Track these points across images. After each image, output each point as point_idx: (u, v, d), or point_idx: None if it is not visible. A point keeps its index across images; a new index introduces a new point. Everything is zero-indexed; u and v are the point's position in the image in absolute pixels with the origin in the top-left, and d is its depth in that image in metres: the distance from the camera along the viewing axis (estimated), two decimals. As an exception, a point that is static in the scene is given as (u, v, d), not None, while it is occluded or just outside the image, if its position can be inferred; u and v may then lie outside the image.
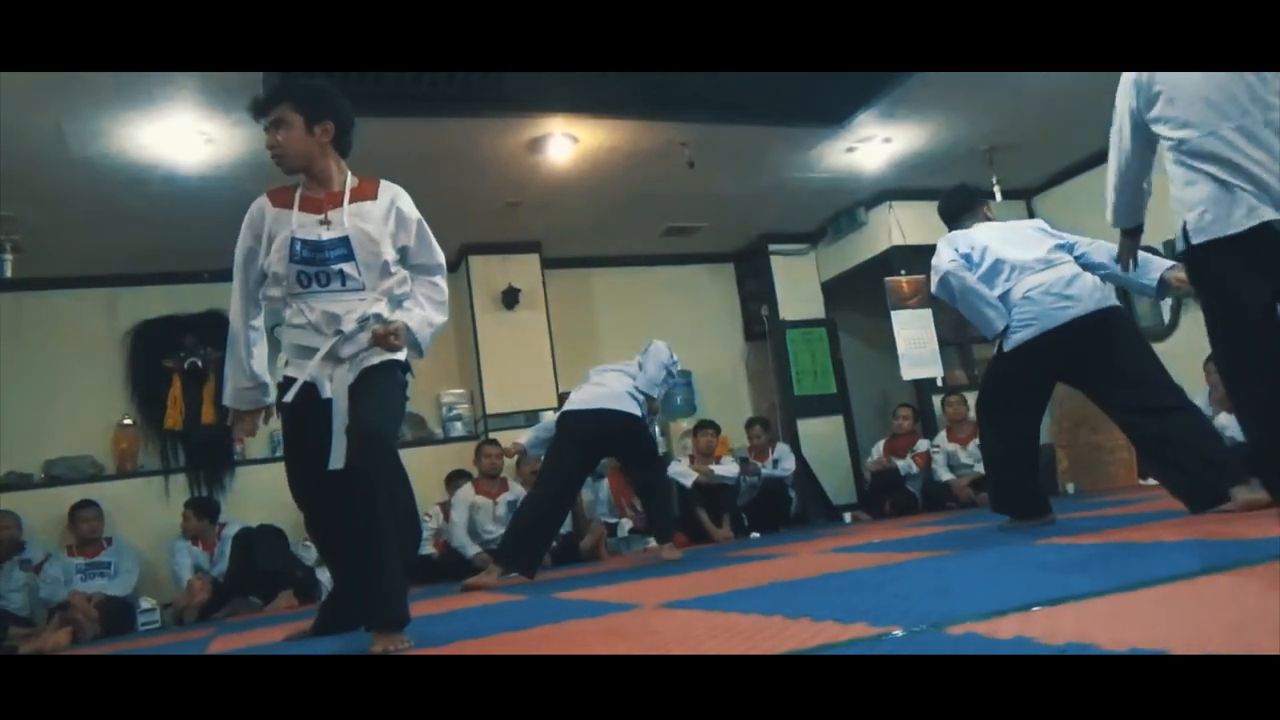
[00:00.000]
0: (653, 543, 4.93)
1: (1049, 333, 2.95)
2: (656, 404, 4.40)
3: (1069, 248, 3.13)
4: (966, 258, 3.18)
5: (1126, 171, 2.55)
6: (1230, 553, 1.73)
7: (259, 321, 2.45)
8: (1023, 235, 3.19)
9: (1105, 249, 3.06)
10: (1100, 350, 2.93)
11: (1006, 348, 3.06)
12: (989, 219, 3.35)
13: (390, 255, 2.29)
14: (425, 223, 2.39)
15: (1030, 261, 3.05)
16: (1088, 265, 3.07)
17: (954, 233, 3.30)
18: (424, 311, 2.32)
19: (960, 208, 3.40)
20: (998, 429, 3.17)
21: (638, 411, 4.12)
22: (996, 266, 3.09)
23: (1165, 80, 2.35)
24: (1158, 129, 2.40)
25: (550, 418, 4.31)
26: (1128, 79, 2.47)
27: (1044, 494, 3.22)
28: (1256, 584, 1.37)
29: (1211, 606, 1.25)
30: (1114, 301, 3.03)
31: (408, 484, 2.18)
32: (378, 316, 2.24)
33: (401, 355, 2.31)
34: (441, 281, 2.42)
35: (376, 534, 2.03)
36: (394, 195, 2.35)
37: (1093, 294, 2.97)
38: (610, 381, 4.17)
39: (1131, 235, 2.74)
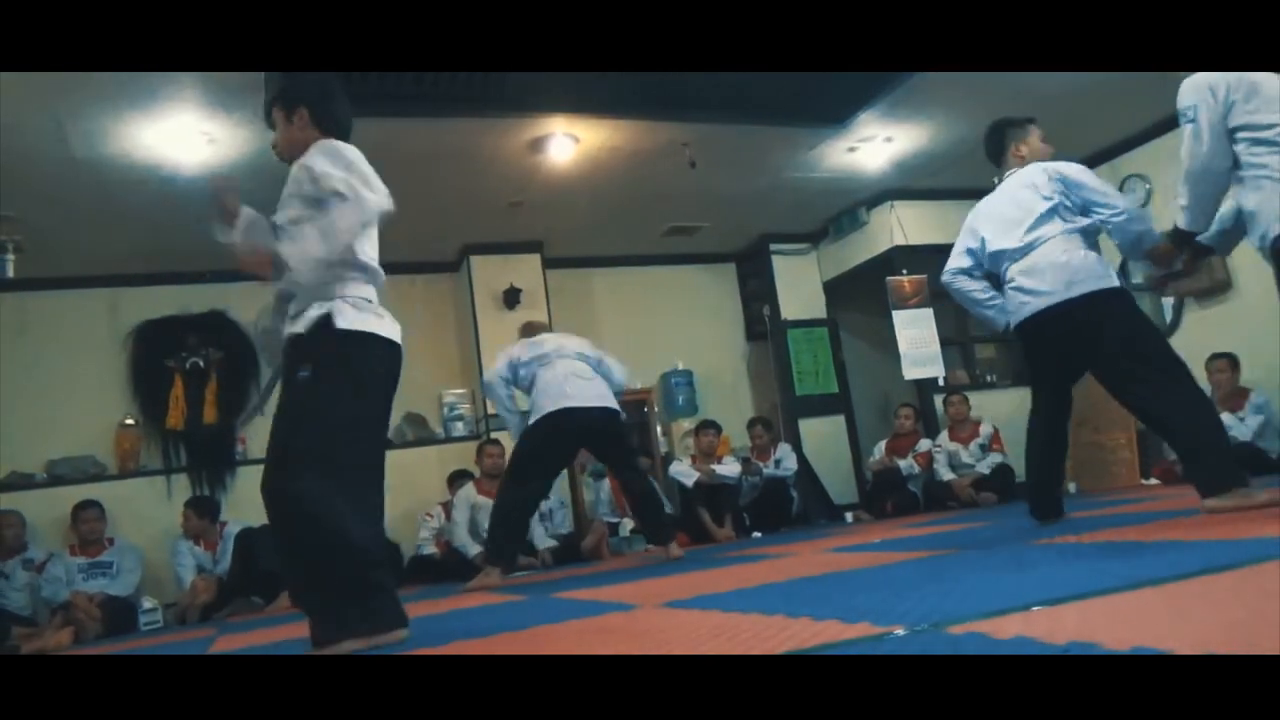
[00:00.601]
0: (654, 543, 4.93)
1: (1021, 324, 2.97)
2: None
3: (1062, 211, 2.91)
4: (973, 253, 3.14)
5: (1212, 168, 2.49)
6: (1233, 552, 1.73)
7: None
8: (1012, 210, 3.01)
9: (1120, 225, 2.85)
10: (1084, 342, 2.83)
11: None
12: (1022, 158, 3.10)
13: (280, 218, 2.18)
14: (318, 159, 2.11)
15: (1011, 250, 2.97)
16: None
17: (969, 218, 3.21)
18: (302, 243, 2.05)
19: (995, 154, 3.24)
20: (1032, 415, 3.15)
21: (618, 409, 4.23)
22: (996, 256, 3.05)
23: (1258, 79, 2.38)
24: (1255, 118, 2.40)
25: (499, 387, 4.21)
26: (1217, 81, 2.44)
27: (1053, 494, 3.15)
28: (1259, 583, 1.37)
29: (1214, 606, 1.25)
30: (1092, 287, 2.79)
31: (311, 514, 1.96)
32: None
33: (300, 328, 2.07)
34: (335, 210, 2.04)
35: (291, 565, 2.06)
36: (313, 149, 2.16)
37: (1060, 282, 2.81)
38: (588, 375, 4.18)
39: (1187, 243, 2.72)
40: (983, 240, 3.10)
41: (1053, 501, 3.14)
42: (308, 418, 2.02)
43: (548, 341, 4.29)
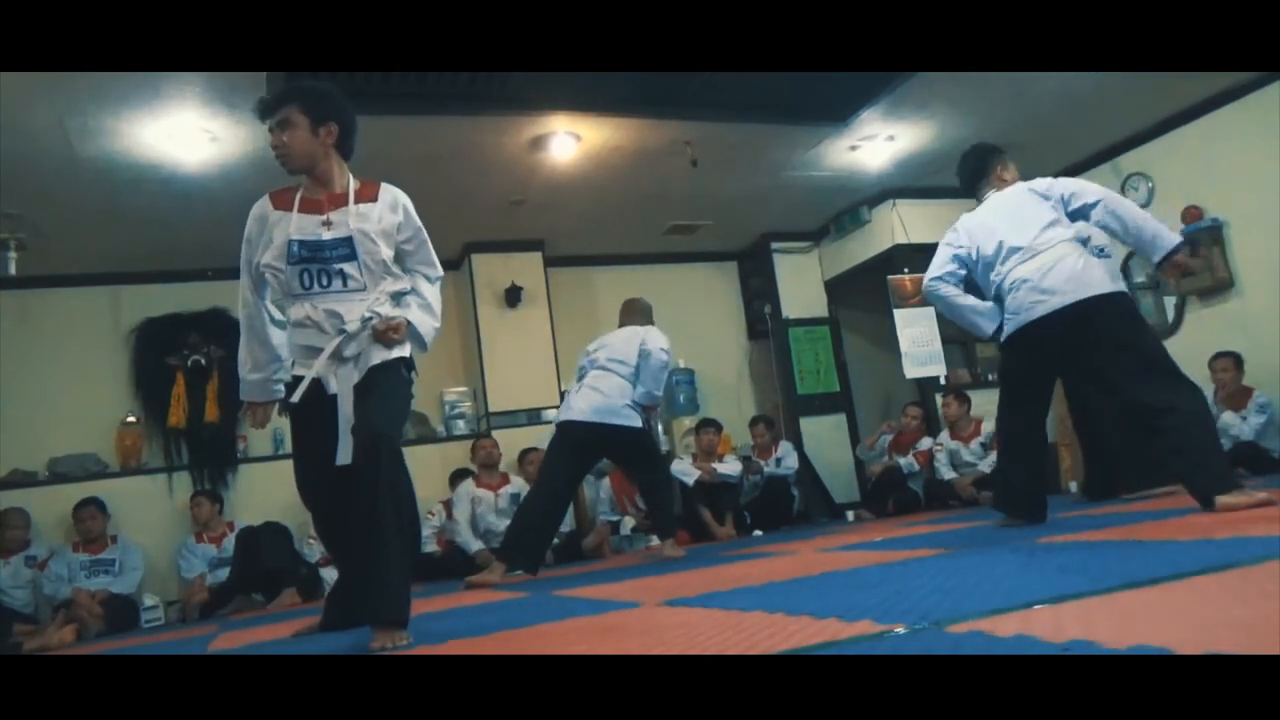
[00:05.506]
0: (655, 540, 4.94)
1: (1027, 326, 2.97)
2: (658, 408, 4.38)
3: (1068, 211, 3.03)
4: (961, 259, 3.18)
5: None
6: (1233, 551, 1.73)
7: (274, 309, 2.45)
8: (1018, 214, 3.08)
9: (1113, 219, 2.93)
10: (1085, 346, 2.87)
11: (1002, 340, 3.11)
12: (1005, 181, 3.25)
13: (389, 255, 2.33)
14: (424, 230, 2.46)
15: (1020, 248, 3.01)
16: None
17: (954, 226, 3.28)
18: (422, 312, 2.40)
19: (974, 175, 3.33)
20: (1003, 422, 3.21)
21: (637, 423, 4.13)
22: (995, 254, 3.07)
23: None
24: None
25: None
26: None
27: (1040, 496, 3.22)
28: (1260, 583, 1.37)
29: (1215, 605, 1.25)
30: (1099, 290, 2.86)
31: (410, 483, 2.19)
32: (379, 316, 2.28)
33: (405, 351, 2.35)
34: (437, 290, 2.49)
35: (381, 532, 2.05)
36: (395, 197, 2.40)
37: (1071, 284, 2.87)
38: (608, 389, 4.12)
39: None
40: (978, 245, 3.13)
41: (1043, 503, 3.20)
42: (404, 410, 2.46)
43: (599, 350, 4.29)
